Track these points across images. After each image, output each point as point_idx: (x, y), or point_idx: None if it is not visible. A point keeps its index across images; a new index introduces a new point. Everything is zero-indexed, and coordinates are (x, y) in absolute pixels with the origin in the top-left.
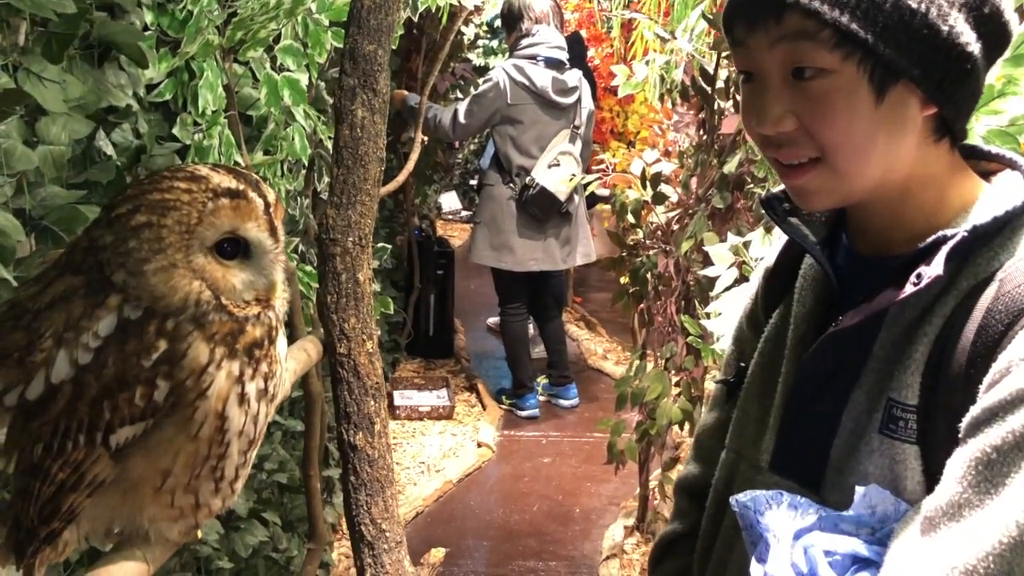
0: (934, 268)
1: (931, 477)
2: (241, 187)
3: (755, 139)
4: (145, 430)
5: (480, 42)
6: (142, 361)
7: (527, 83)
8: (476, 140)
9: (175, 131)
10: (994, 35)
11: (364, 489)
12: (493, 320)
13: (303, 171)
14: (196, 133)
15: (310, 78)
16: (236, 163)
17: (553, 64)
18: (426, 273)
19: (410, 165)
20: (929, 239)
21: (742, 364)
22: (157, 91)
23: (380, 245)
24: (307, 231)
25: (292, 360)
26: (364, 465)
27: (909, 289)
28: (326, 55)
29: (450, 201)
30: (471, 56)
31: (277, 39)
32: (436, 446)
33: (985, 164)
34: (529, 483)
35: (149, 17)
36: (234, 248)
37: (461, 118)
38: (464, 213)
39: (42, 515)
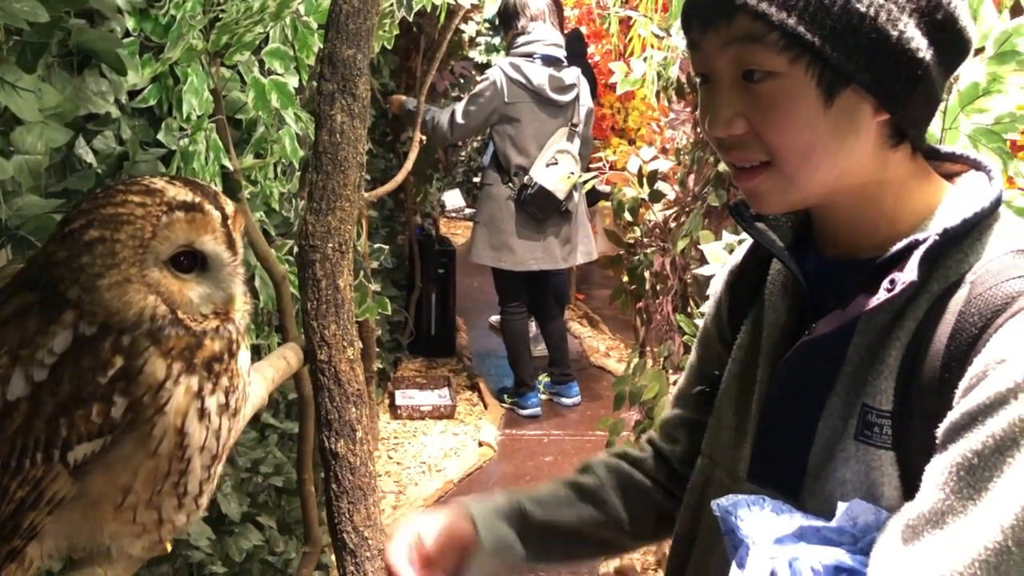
0: (908, 274)
1: (908, 483)
2: (197, 200)
3: (711, 141)
4: (104, 447)
5: (481, 39)
6: (98, 378)
7: (524, 81)
8: (480, 137)
9: (160, 136)
10: (949, 42)
11: (346, 497)
12: (495, 318)
13: (296, 173)
14: (182, 138)
15: (300, 81)
16: (224, 167)
17: (550, 62)
18: (427, 272)
19: (408, 164)
20: (901, 244)
21: (716, 372)
22: (141, 97)
23: (377, 246)
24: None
25: (270, 368)
26: (346, 473)
27: (883, 295)
28: (314, 57)
29: (454, 199)
30: (473, 54)
31: (266, 42)
32: (437, 446)
33: (948, 166)
34: (531, 482)
35: (131, 23)
36: (191, 261)
37: (459, 118)
38: (468, 211)
39: (3, 533)
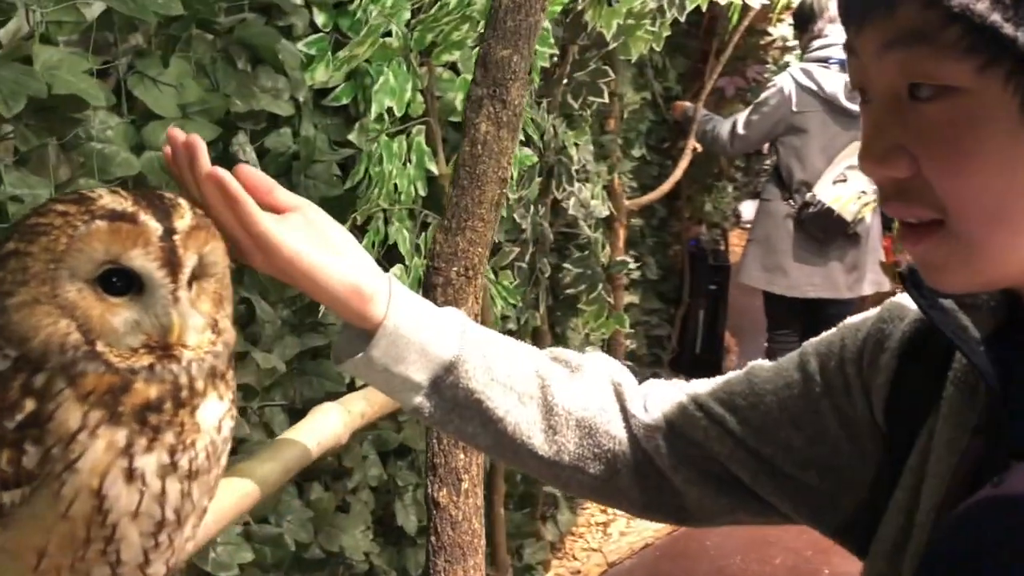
0: None
1: None
2: (129, 209)
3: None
4: (23, 498)
5: (792, 42)
6: (4, 421)
7: (816, 88)
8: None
9: (352, 137)
10: None
11: (444, 553)
12: None
13: (537, 178)
14: (376, 139)
15: (530, 82)
16: (429, 171)
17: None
18: (697, 287)
19: (677, 173)
20: None
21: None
22: (333, 95)
23: (620, 259)
24: (540, 241)
25: (362, 401)
26: (446, 527)
27: None
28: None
29: (751, 210)
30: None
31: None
32: None
33: None
34: (777, 531)
35: (322, 18)
36: (125, 283)
37: (740, 128)
38: None
39: None
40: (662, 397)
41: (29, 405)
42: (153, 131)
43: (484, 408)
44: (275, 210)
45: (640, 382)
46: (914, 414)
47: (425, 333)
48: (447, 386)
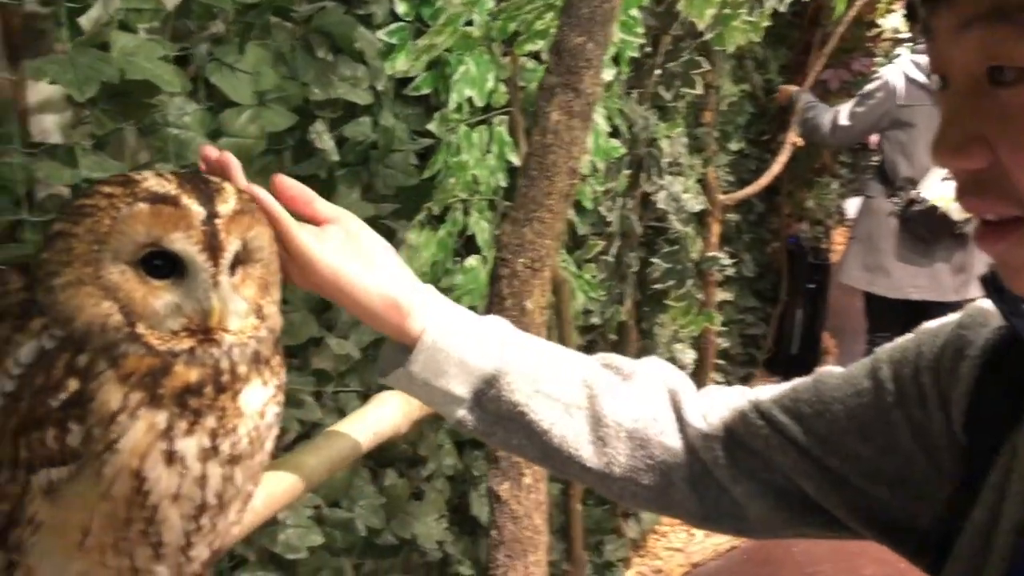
0: None
1: None
2: (172, 192)
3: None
4: (70, 476)
5: (905, 34)
6: (50, 400)
7: (925, 82)
8: None
9: (431, 127)
10: None
11: (504, 548)
12: None
13: (625, 171)
14: (453, 130)
15: (618, 72)
16: (509, 162)
17: None
18: (796, 285)
19: (775, 168)
20: None
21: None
22: (414, 84)
23: (711, 255)
24: (627, 234)
25: None
26: (507, 521)
27: None
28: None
29: (856, 208)
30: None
31: None
32: None
33: None
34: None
35: (403, 7)
36: (167, 266)
37: (843, 120)
38: None
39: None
40: (722, 404)
41: (73, 385)
42: (230, 118)
43: (528, 420)
44: (314, 221)
45: (729, 383)
46: (996, 427)
47: (464, 346)
48: (489, 399)
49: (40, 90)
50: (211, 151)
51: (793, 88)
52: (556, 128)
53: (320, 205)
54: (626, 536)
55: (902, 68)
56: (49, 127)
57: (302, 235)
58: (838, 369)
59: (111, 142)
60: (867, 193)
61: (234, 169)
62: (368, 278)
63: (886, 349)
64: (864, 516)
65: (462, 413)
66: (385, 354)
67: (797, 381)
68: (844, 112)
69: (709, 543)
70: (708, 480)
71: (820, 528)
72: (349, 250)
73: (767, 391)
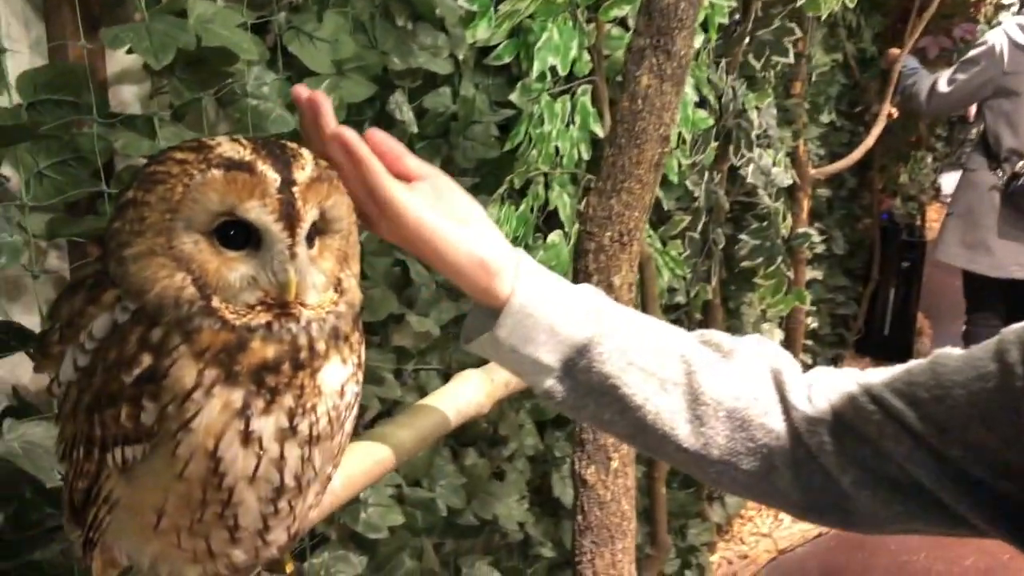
0: None
1: None
2: (247, 158)
3: None
4: (144, 454)
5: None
6: (123, 376)
7: None
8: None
9: (513, 97)
10: None
11: (590, 534)
12: None
13: (712, 143)
14: (534, 99)
15: (707, 39)
16: (592, 133)
17: None
18: (888, 263)
19: (869, 140)
20: None
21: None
22: (495, 54)
23: (803, 231)
24: (714, 209)
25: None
26: (593, 506)
27: None
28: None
29: (952, 183)
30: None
31: None
32: None
33: None
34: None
35: None
36: (243, 236)
37: (941, 86)
38: None
39: (75, 522)
40: (830, 387)
41: (146, 360)
42: (308, 87)
43: (621, 395)
44: (404, 177)
45: (817, 365)
46: None
47: (555, 312)
48: (580, 369)
49: (119, 60)
50: (303, 90)
51: (899, 51)
52: (646, 93)
53: (411, 161)
54: (711, 520)
55: (1008, 32)
56: (128, 97)
57: (392, 185)
58: (957, 351)
59: (189, 112)
60: (968, 166)
61: (326, 109)
62: (456, 234)
63: (1014, 329)
64: (988, 512)
65: (551, 383)
66: (471, 319)
67: (912, 363)
68: (944, 78)
69: (797, 528)
70: (813, 467)
71: (935, 525)
72: (439, 205)
73: (878, 374)
